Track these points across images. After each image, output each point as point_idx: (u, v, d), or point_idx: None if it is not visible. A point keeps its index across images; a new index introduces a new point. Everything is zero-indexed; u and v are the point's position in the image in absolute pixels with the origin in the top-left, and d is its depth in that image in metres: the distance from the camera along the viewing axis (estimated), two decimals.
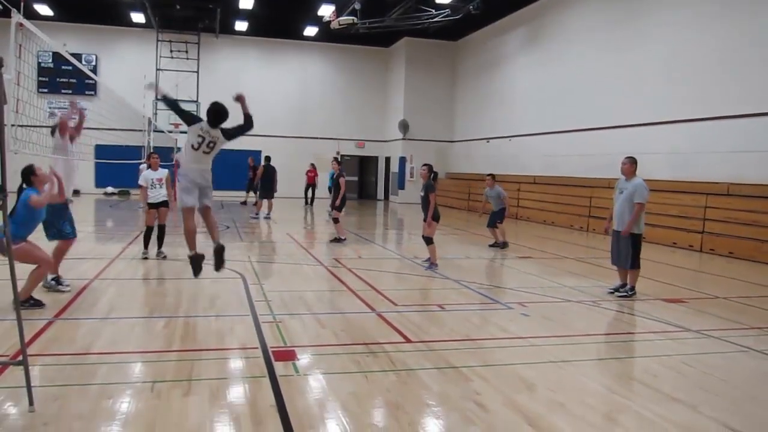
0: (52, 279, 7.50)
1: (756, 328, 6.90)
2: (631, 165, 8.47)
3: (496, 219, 13.33)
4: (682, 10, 15.73)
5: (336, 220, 13.39)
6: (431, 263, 10.20)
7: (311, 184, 25.23)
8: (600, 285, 9.07)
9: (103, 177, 27.27)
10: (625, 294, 8.29)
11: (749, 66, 13.75)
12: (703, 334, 6.48)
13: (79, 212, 18.79)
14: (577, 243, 15.23)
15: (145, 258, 10.13)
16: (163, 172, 10.54)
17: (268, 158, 19.34)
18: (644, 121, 16.70)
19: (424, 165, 10.42)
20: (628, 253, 8.29)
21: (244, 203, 24.13)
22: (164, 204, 10.43)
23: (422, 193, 10.29)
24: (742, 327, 6.92)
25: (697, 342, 6.20)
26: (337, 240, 13.15)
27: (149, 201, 10.31)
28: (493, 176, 13.68)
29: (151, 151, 16.75)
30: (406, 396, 4.40)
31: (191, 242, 7.01)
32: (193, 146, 6.90)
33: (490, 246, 13.43)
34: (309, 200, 25.12)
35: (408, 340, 5.79)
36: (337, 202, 13.27)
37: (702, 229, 14.14)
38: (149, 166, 10.70)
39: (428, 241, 10.23)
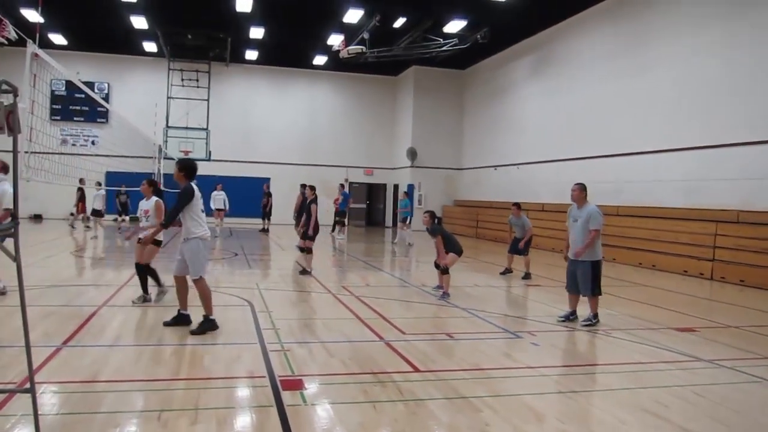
0: None
1: None
2: (581, 192, 8.37)
3: (519, 246, 13.24)
4: (688, 37, 15.83)
5: (309, 251, 12.44)
6: (444, 292, 10.17)
7: (337, 211, 25.18)
8: (610, 314, 8.99)
9: (113, 203, 27.40)
10: (590, 323, 8.14)
11: (757, 93, 13.76)
12: (715, 363, 6.40)
13: (87, 238, 18.90)
14: None
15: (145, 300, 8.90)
16: (150, 204, 9.00)
17: (305, 186, 18.86)
18: (652, 148, 16.71)
19: (426, 212, 10.49)
20: (587, 280, 8.15)
21: (266, 231, 24.09)
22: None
23: (434, 239, 10.33)
24: (755, 357, 6.83)
25: (709, 372, 6.12)
26: (304, 272, 12.27)
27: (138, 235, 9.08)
28: (518, 205, 13.46)
29: (156, 178, 16.85)
30: (414, 426, 4.36)
31: (210, 305, 7.07)
32: (202, 210, 7.15)
33: (501, 274, 13.40)
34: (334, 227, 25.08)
35: (416, 370, 5.75)
36: (310, 231, 12.28)
37: (712, 257, 14.04)
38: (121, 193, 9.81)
39: (445, 270, 10.21)
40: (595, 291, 8.19)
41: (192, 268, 6.99)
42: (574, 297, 8.47)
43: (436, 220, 10.37)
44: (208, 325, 6.94)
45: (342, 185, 24.00)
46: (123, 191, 22.07)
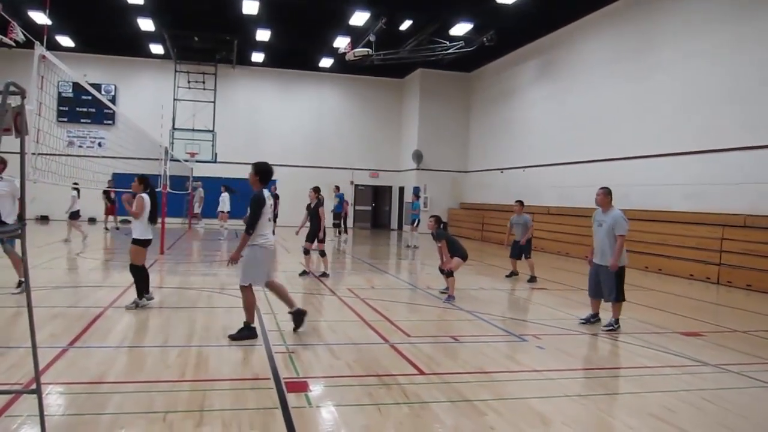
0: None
1: None
2: (605, 196, 8.30)
3: (520, 250, 13.21)
4: (695, 41, 15.79)
5: (323, 253, 12.77)
6: (449, 295, 10.17)
7: (345, 214, 25.07)
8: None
9: (120, 205, 27.48)
10: (611, 328, 8.10)
11: (764, 97, 13.71)
12: (722, 368, 6.37)
13: (94, 240, 18.96)
14: None
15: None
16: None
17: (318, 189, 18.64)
18: (658, 152, 16.67)
19: (431, 216, 10.56)
20: (611, 285, 8.10)
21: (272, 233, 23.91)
22: (132, 241, 8.48)
23: (438, 244, 10.36)
24: (762, 362, 6.79)
25: (716, 377, 6.09)
26: (324, 275, 12.48)
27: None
28: (521, 203, 13.48)
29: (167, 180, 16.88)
30: (419, 429, 4.35)
31: (252, 313, 6.98)
32: (269, 218, 7.02)
33: (507, 276, 13.40)
34: (342, 229, 24.88)
35: (421, 372, 5.74)
36: (320, 234, 12.56)
37: (719, 261, 13.99)
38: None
39: (450, 273, 10.22)
40: (618, 297, 8.14)
41: (242, 275, 6.89)
42: (596, 301, 8.47)
43: (441, 225, 10.40)
44: (247, 333, 6.83)
45: (337, 187, 23.89)
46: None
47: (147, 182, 8.69)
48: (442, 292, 10.56)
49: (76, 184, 16.41)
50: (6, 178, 8.71)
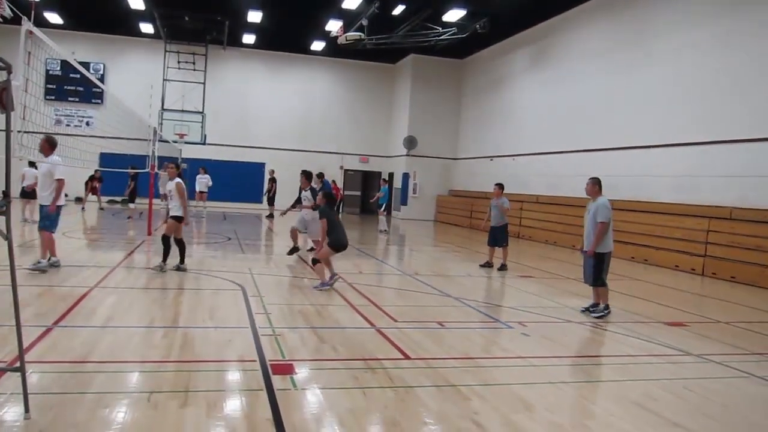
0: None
1: (757, 353, 6.85)
2: (593, 186, 8.53)
3: (498, 237, 13.04)
4: (688, 33, 15.79)
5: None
6: (322, 282, 9.29)
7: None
8: None
9: (107, 185, 27.21)
10: (601, 314, 8.24)
11: (755, 90, 13.76)
12: (704, 358, 6.44)
13: (80, 220, 18.84)
14: (578, 263, 15.11)
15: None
16: (171, 184, 10.27)
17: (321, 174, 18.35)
18: (648, 143, 16.71)
19: (321, 190, 10.91)
20: (589, 269, 8.36)
21: (273, 216, 23.83)
22: (173, 217, 10.20)
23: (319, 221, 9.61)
24: (743, 352, 6.87)
25: (698, 366, 6.16)
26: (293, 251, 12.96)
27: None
28: (501, 186, 13.23)
29: (155, 161, 16.77)
30: (403, 413, 4.37)
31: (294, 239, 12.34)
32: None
33: (481, 266, 13.07)
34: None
35: (407, 357, 5.77)
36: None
37: (705, 253, 14.10)
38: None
39: (314, 261, 9.57)
40: (597, 281, 8.32)
41: None
42: (594, 289, 8.62)
43: (326, 201, 9.31)
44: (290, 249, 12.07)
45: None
46: (132, 174, 21.87)
47: (179, 167, 10.77)
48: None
49: (32, 163, 15.51)
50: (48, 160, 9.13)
